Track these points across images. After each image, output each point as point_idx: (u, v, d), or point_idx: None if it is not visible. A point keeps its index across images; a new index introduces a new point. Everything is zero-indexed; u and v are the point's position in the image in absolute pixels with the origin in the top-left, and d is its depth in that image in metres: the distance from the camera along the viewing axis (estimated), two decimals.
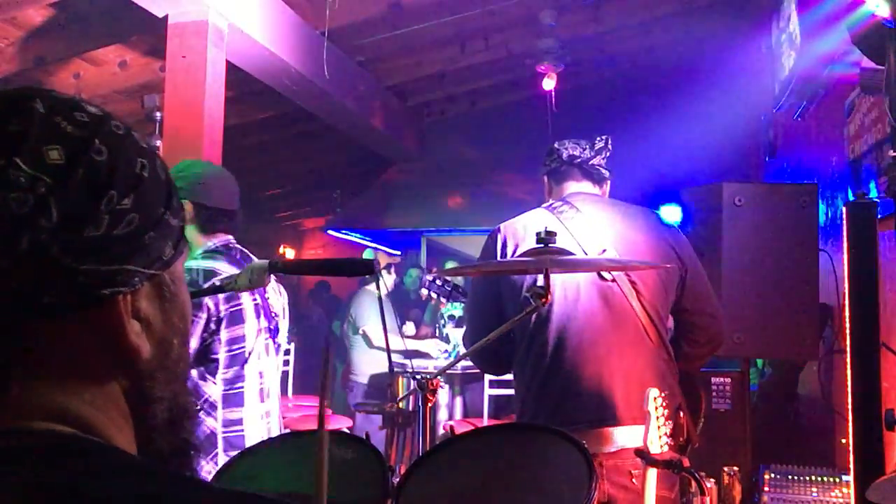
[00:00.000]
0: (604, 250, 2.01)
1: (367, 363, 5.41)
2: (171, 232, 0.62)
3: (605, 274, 2.00)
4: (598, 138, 2.23)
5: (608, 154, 2.24)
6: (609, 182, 2.28)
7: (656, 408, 1.57)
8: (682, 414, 1.92)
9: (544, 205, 2.19)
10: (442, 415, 4.97)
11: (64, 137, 0.55)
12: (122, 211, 0.57)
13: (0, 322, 0.54)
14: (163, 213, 0.61)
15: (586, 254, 2.00)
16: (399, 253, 9.47)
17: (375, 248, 9.49)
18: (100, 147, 0.57)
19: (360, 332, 5.41)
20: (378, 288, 4.79)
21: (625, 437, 1.89)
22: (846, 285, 2.47)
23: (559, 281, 1.99)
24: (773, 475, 3.09)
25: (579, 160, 2.20)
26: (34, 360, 0.56)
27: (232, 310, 2.18)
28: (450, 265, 6.76)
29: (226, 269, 2.17)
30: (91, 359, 0.58)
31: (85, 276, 0.55)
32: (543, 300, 1.67)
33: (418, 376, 1.68)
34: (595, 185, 2.24)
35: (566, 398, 1.96)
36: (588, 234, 2.05)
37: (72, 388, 0.57)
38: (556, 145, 2.25)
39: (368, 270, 1.44)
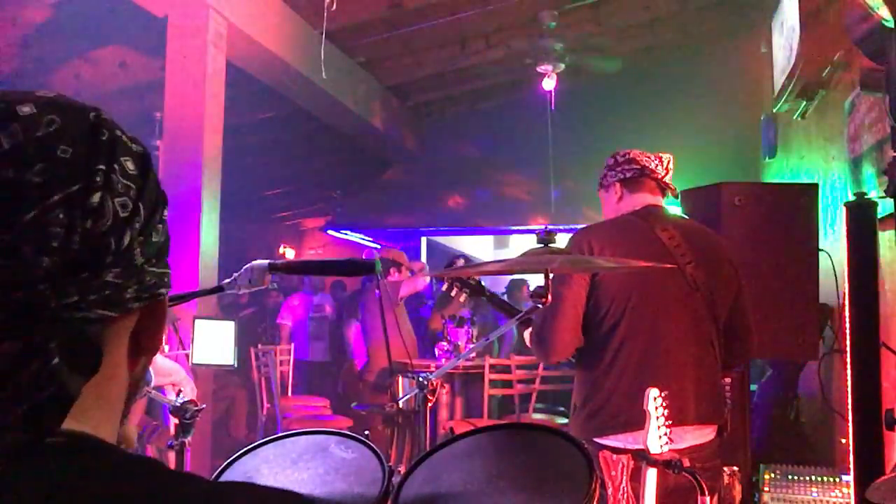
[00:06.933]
0: (689, 262, 2.11)
1: (376, 362, 5.39)
2: None
3: (695, 288, 2.12)
4: (664, 156, 2.28)
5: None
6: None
7: (656, 408, 1.57)
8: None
9: (627, 212, 2.23)
10: (442, 415, 4.96)
11: (131, 151, 0.60)
12: (164, 220, 0.63)
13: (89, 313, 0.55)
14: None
15: (678, 264, 2.09)
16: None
17: (392, 246, 9.41)
18: (149, 165, 0.62)
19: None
20: (378, 287, 4.77)
21: (696, 435, 2.08)
22: (846, 285, 2.47)
23: (654, 292, 2.09)
24: (773, 475, 3.09)
25: (656, 174, 2.25)
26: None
27: None
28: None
29: None
30: (121, 361, 0.61)
31: (150, 276, 0.60)
32: (543, 300, 1.68)
33: (419, 376, 1.69)
34: (666, 199, 2.32)
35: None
36: (677, 245, 2.14)
37: (97, 392, 0.58)
38: (631, 154, 2.27)
39: (369, 270, 1.44)
